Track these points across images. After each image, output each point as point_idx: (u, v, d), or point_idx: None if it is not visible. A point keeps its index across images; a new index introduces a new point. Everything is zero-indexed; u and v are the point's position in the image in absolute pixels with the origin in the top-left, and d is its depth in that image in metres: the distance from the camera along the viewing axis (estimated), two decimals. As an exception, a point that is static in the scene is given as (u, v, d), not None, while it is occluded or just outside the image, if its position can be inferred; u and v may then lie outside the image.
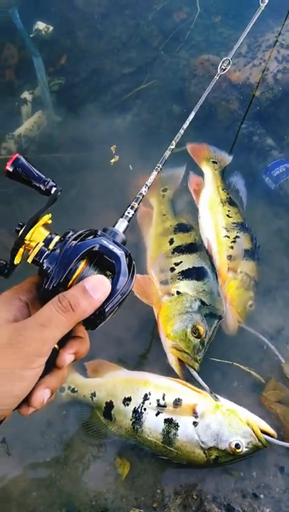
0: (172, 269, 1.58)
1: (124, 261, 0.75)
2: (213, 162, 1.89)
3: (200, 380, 1.43)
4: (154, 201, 1.79)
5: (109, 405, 1.44)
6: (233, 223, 1.70)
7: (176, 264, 1.58)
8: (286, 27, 2.39)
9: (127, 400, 1.43)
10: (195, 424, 1.36)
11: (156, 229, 1.70)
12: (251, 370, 1.52)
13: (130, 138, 2.07)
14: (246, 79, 2.23)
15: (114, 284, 0.73)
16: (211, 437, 1.34)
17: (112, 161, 1.92)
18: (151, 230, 1.71)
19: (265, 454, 1.40)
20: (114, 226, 0.84)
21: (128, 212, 0.88)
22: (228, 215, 1.72)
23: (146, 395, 1.42)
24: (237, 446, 1.33)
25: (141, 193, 0.94)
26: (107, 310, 0.73)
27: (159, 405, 1.40)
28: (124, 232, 0.83)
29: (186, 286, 1.54)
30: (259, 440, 1.34)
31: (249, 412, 1.39)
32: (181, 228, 1.67)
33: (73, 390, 1.52)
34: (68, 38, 2.41)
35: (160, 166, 1.02)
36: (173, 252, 1.61)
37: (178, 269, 1.57)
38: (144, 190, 0.95)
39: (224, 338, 1.56)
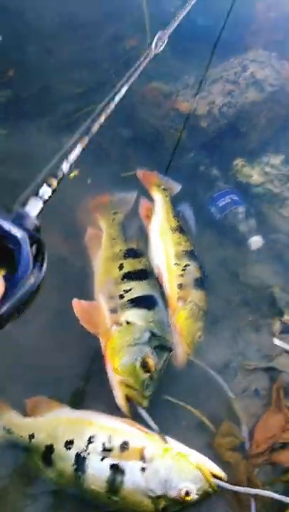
0: (121, 297, 1.39)
1: (27, 247, 0.56)
2: (164, 189, 1.75)
3: (148, 419, 1.25)
4: (104, 223, 1.61)
5: (49, 449, 1.20)
6: (183, 251, 1.56)
7: (126, 292, 1.40)
8: (231, 64, 2.34)
9: (69, 443, 1.20)
10: (143, 469, 1.16)
11: (105, 253, 1.52)
12: (202, 416, 1.35)
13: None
14: (194, 110, 2.12)
15: (11, 279, 0.54)
16: (160, 484, 1.15)
17: (72, 175, 1.71)
18: (100, 254, 1.53)
19: (215, 500, 1.22)
20: (24, 206, 0.62)
21: (43, 191, 0.67)
22: (178, 243, 1.58)
23: (90, 438, 1.20)
24: (187, 493, 1.14)
25: (61, 169, 0.73)
26: (2, 313, 0.54)
27: (104, 449, 1.18)
28: (38, 216, 0.63)
29: (136, 316, 1.35)
30: (209, 485, 1.16)
31: (199, 455, 1.21)
32: (132, 254, 1.50)
33: (9, 431, 1.26)
34: (17, 51, 2.17)
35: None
36: (122, 279, 1.42)
37: (127, 296, 1.39)
38: (64, 166, 0.74)
39: (172, 371, 1.38)
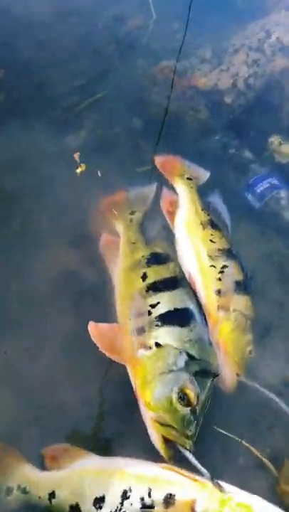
0: (148, 313, 1.23)
1: None
2: (188, 179, 1.59)
3: (195, 462, 1.06)
4: (121, 227, 1.47)
5: (75, 509, 1.05)
6: (219, 250, 1.40)
7: (153, 307, 1.23)
8: (252, 30, 2.16)
9: (99, 501, 1.04)
10: None
11: (124, 261, 1.37)
12: (261, 454, 1.17)
13: (85, 156, 1.72)
14: (214, 85, 1.96)
15: None
16: None
17: (78, 170, 1.60)
18: (119, 263, 1.38)
19: None
20: None
21: None
22: (211, 240, 1.42)
23: (125, 492, 1.03)
24: None
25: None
26: None
27: (144, 506, 1.01)
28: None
29: (168, 336, 1.19)
30: None
31: (267, 503, 1.02)
32: (156, 259, 1.35)
33: (24, 490, 1.10)
34: (7, 50, 2.07)
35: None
36: (147, 291, 1.27)
37: (155, 312, 1.22)
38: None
39: (221, 398, 1.21)
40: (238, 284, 1.32)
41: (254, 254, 1.56)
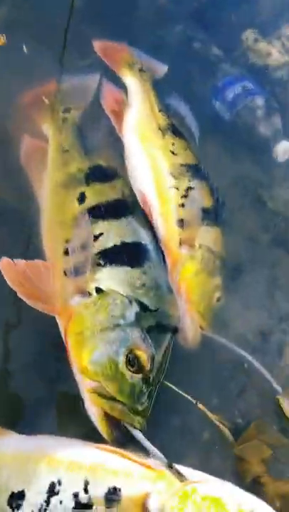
0: (86, 248, 1.01)
1: None
2: (140, 70, 1.34)
3: (148, 444, 0.88)
4: (50, 128, 1.22)
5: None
6: (182, 165, 1.18)
7: (94, 239, 1.02)
8: None
9: (16, 498, 0.84)
10: None
11: (54, 176, 1.14)
12: (220, 421, 1.02)
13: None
14: None
15: None
16: None
17: None
18: (46, 179, 1.14)
19: None
20: None
21: None
22: (172, 152, 1.19)
23: (52, 486, 0.84)
24: None
25: None
26: None
27: (78, 505, 0.83)
28: None
29: (113, 279, 0.98)
30: None
31: (240, 491, 0.86)
32: (98, 174, 1.13)
33: None
34: None
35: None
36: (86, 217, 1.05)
37: (97, 246, 1.01)
38: None
39: (180, 357, 1.03)
40: (206, 212, 1.12)
41: (222, 179, 1.34)
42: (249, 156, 1.44)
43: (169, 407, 1.02)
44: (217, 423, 1.01)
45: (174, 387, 0.99)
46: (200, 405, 1.01)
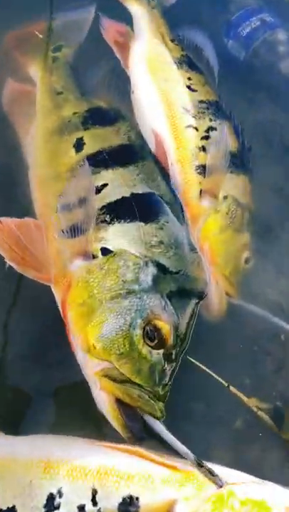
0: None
1: None
2: None
3: (172, 439, 0.72)
4: (38, 70, 1.09)
5: None
6: (202, 102, 1.04)
7: (96, 192, 0.87)
8: None
9: None
10: None
11: (45, 123, 1.01)
12: (256, 405, 0.86)
13: None
14: None
15: None
16: None
17: None
18: (36, 127, 1.02)
19: None
20: None
21: None
22: (189, 87, 1.05)
23: (51, 498, 0.69)
24: None
25: None
26: None
27: None
28: None
29: (122, 237, 0.84)
30: None
31: (286, 491, 0.72)
32: (99, 117, 0.99)
33: None
34: None
35: None
36: None
37: (100, 201, 0.86)
38: None
39: (203, 328, 0.88)
40: (232, 157, 0.96)
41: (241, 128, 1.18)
42: (269, 99, 1.27)
43: (192, 391, 0.87)
44: (254, 409, 0.85)
45: (201, 365, 0.84)
46: (232, 388, 0.85)
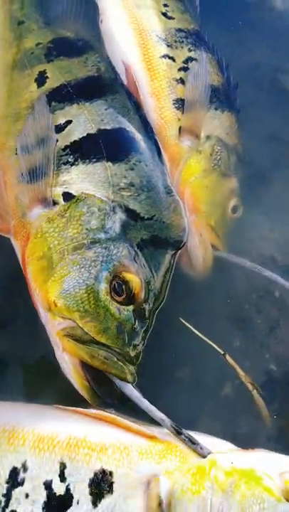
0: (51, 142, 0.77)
1: None
2: None
3: (146, 404, 0.64)
4: None
5: None
6: (180, 31, 0.93)
7: (58, 130, 0.76)
8: None
9: None
10: None
11: (4, 56, 0.90)
12: (255, 388, 0.76)
13: None
14: None
15: None
16: None
17: None
18: None
19: None
20: None
21: None
22: (165, 14, 0.94)
23: (15, 472, 0.61)
24: None
25: None
26: None
27: (52, 497, 0.59)
28: None
29: (88, 179, 0.74)
30: None
31: (280, 458, 0.64)
32: (64, 48, 0.88)
33: None
34: None
35: None
36: (48, 103, 0.79)
37: (62, 140, 0.76)
38: None
39: (185, 286, 0.81)
40: (214, 91, 0.86)
41: (232, 67, 1.05)
42: (262, 38, 1.17)
43: (178, 356, 0.78)
44: (249, 386, 0.76)
45: (194, 329, 0.76)
46: (229, 358, 0.76)
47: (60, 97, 0.79)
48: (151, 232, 0.72)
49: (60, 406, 0.66)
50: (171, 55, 0.90)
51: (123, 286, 0.65)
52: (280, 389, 0.78)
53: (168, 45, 0.90)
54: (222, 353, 0.77)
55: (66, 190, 0.71)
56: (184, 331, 0.77)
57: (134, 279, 0.66)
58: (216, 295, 0.85)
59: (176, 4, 0.97)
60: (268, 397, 0.76)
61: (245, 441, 0.67)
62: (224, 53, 1.07)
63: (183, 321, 0.77)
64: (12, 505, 0.59)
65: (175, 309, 0.77)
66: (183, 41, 0.91)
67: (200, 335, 0.77)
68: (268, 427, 0.75)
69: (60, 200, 0.71)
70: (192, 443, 0.60)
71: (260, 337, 0.83)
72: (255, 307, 0.86)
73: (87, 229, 0.68)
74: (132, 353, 0.64)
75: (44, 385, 0.72)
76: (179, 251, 0.76)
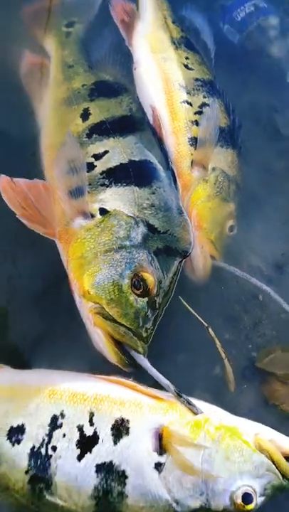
0: (90, 167, 0.92)
1: None
2: None
3: (155, 372, 0.80)
4: (52, 43, 1.13)
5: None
6: (197, 80, 1.08)
7: (97, 158, 0.92)
8: None
9: (16, 432, 0.77)
10: (159, 466, 0.73)
11: (56, 93, 1.05)
12: (227, 358, 0.93)
13: None
14: None
15: None
16: (195, 489, 0.73)
17: None
18: (48, 96, 1.06)
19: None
20: None
21: None
22: (186, 66, 1.09)
23: (55, 419, 0.77)
24: (247, 497, 0.72)
25: None
26: None
27: (83, 438, 0.75)
28: None
29: (119, 199, 0.90)
30: (284, 476, 0.75)
31: (256, 424, 0.80)
32: (103, 90, 1.03)
33: None
34: None
35: None
36: (89, 135, 0.95)
37: (100, 166, 0.92)
38: None
39: (188, 288, 0.95)
40: (222, 132, 1.01)
41: (233, 103, 1.19)
42: (261, 81, 1.30)
43: (178, 343, 0.94)
44: (222, 355, 0.92)
45: (187, 305, 0.91)
46: (210, 331, 0.92)
47: (100, 131, 0.94)
48: (164, 243, 0.87)
49: (90, 374, 0.82)
50: (189, 100, 1.04)
51: (141, 283, 0.81)
52: (259, 371, 0.93)
53: (187, 92, 1.04)
54: (206, 325, 0.92)
55: (102, 206, 0.87)
56: (184, 323, 0.93)
57: (150, 278, 0.82)
58: (212, 296, 1.00)
59: (195, 57, 1.11)
60: (249, 377, 0.93)
61: (229, 410, 0.81)
62: (229, 92, 1.18)
63: (181, 299, 0.91)
64: (53, 442, 0.75)
65: (177, 305, 0.91)
66: (199, 89, 1.05)
67: (191, 310, 0.92)
68: (232, 392, 0.90)
69: (97, 213, 0.86)
70: (189, 404, 0.77)
71: (245, 331, 0.98)
72: (243, 307, 1.00)
73: (116, 237, 0.84)
74: (144, 334, 0.81)
75: (76, 356, 0.87)
76: (185, 259, 0.90)
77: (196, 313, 0.91)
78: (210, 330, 0.91)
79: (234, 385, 0.91)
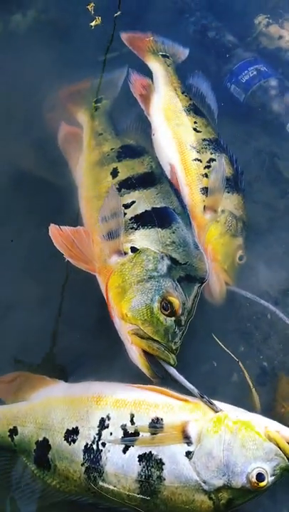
0: (121, 215, 1.07)
1: None
2: (164, 56, 1.39)
3: (183, 379, 0.94)
4: (84, 116, 1.29)
5: (43, 445, 0.94)
6: (205, 140, 1.23)
7: (126, 207, 1.08)
8: None
9: (71, 433, 0.92)
10: (189, 454, 0.88)
11: (89, 156, 1.21)
12: (254, 388, 1.04)
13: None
14: None
15: None
16: (218, 471, 0.87)
17: (93, 23, 1.44)
18: (82, 159, 1.21)
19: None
20: None
21: None
22: (195, 129, 1.25)
23: (102, 421, 0.92)
24: (260, 477, 0.86)
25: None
26: None
27: (126, 434, 0.90)
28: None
29: (146, 239, 1.04)
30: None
31: (266, 419, 0.93)
32: (128, 152, 1.19)
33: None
34: None
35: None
36: (119, 189, 1.10)
37: (129, 213, 1.07)
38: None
39: (207, 310, 1.09)
40: (227, 180, 1.17)
41: (241, 153, 1.37)
42: (264, 132, 1.46)
43: (200, 357, 1.07)
44: (250, 384, 1.03)
45: (220, 343, 1.05)
46: (240, 364, 1.05)
47: (128, 185, 1.10)
48: (185, 272, 1.02)
49: (128, 384, 0.95)
50: (199, 158, 1.19)
51: (168, 305, 0.95)
52: (269, 378, 1.07)
53: (197, 151, 1.19)
54: (237, 360, 1.05)
55: (132, 245, 1.02)
56: (205, 337, 1.06)
57: (176, 301, 0.95)
58: (228, 315, 1.13)
59: (202, 120, 1.26)
60: (261, 382, 1.05)
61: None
62: (236, 141, 1.38)
63: (214, 338, 1.05)
64: (102, 439, 0.90)
65: (199, 324, 1.04)
66: (207, 147, 1.20)
67: (226, 349, 1.05)
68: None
69: (129, 251, 1.01)
70: (210, 403, 0.91)
71: (257, 344, 1.11)
72: (254, 325, 1.14)
73: (146, 270, 0.99)
74: (174, 347, 0.95)
75: (117, 370, 1.00)
76: (203, 285, 1.04)
77: (226, 349, 1.05)
78: (240, 363, 1.04)
79: (259, 408, 1.01)
